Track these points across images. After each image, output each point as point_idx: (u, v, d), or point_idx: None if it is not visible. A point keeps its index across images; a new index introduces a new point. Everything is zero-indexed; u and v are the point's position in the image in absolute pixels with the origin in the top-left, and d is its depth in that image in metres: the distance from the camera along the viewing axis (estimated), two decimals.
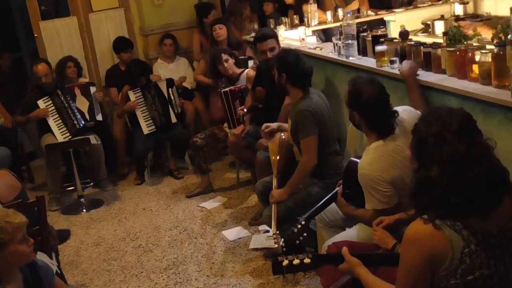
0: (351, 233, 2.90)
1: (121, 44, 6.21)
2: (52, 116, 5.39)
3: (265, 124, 3.95)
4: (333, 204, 3.16)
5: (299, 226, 2.98)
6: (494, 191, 1.69)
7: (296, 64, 3.61)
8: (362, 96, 2.70)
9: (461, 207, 1.69)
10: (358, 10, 5.53)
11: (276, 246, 3.43)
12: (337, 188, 2.96)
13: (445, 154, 1.70)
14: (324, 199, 3.02)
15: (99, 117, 5.63)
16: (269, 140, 3.94)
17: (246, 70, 5.14)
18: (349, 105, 2.81)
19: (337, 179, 3.43)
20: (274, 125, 3.93)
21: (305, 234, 3.01)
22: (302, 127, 3.51)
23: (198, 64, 6.16)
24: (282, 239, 3.40)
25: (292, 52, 3.81)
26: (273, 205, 3.59)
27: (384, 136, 2.69)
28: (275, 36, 4.49)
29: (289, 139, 3.71)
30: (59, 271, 3.25)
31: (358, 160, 3.04)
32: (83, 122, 5.51)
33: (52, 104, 5.41)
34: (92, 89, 5.69)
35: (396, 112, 2.72)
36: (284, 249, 3.33)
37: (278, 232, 3.42)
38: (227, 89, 4.97)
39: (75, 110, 5.49)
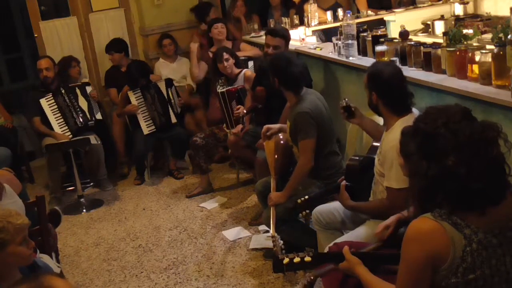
0: (358, 232, 2.89)
1: (108, 46, 6.22)
2: (54, 114, 5.40)
3: (266, 126, 3.93)
4: (329, 207, 3.16)
5: (302, 198, 3.14)
6: (507, 175, 1.69)
7: (286, 69, 3.64)
8: (382, 75, 2.79)
9: (479, 195, 1.67)
10: (358, 11, 5.53)
11: (275, 248, 3.42)
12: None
13: (461, 139, 1.69)
14: (327, 189, 3.15)
15: (98, 116, 5.68)
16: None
17: (244, 70, 5.13)
18: (369, 86, 2.86)
19: (336, 179, 3.44)
20: (275, 127, 3.92)
21: (307, 211, 3.22)
22: (301, 128, 3.51)
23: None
24: (281, 241, 3.40)
25: (283, 56, 3.84)
26: (271, 208, 3.59)
27: (403, 115, 2.74)
28: (285, 37, 4.53)
29: (288, 140, 3.71)
30: (62, 274, 3.25)
31: (359, 158, 3.06)
32: (84, 120, 5.52)
33: (54, 103, 5.43)
34: (88, 89, 5.72)
35: (412, 93, 2.81)
36: (283, 251, 3.33)
37: (276, 234, 3.41)
38: (223, 89, 4.97)
39: (78, 109, 5.51)
